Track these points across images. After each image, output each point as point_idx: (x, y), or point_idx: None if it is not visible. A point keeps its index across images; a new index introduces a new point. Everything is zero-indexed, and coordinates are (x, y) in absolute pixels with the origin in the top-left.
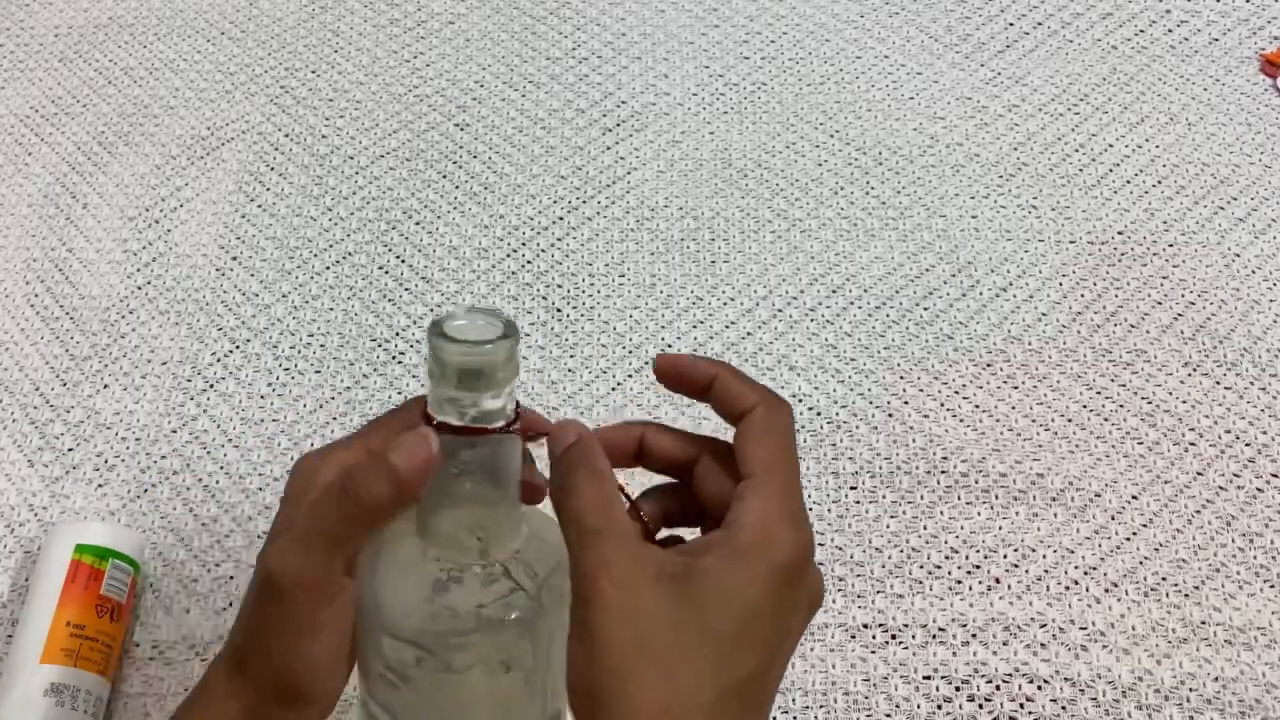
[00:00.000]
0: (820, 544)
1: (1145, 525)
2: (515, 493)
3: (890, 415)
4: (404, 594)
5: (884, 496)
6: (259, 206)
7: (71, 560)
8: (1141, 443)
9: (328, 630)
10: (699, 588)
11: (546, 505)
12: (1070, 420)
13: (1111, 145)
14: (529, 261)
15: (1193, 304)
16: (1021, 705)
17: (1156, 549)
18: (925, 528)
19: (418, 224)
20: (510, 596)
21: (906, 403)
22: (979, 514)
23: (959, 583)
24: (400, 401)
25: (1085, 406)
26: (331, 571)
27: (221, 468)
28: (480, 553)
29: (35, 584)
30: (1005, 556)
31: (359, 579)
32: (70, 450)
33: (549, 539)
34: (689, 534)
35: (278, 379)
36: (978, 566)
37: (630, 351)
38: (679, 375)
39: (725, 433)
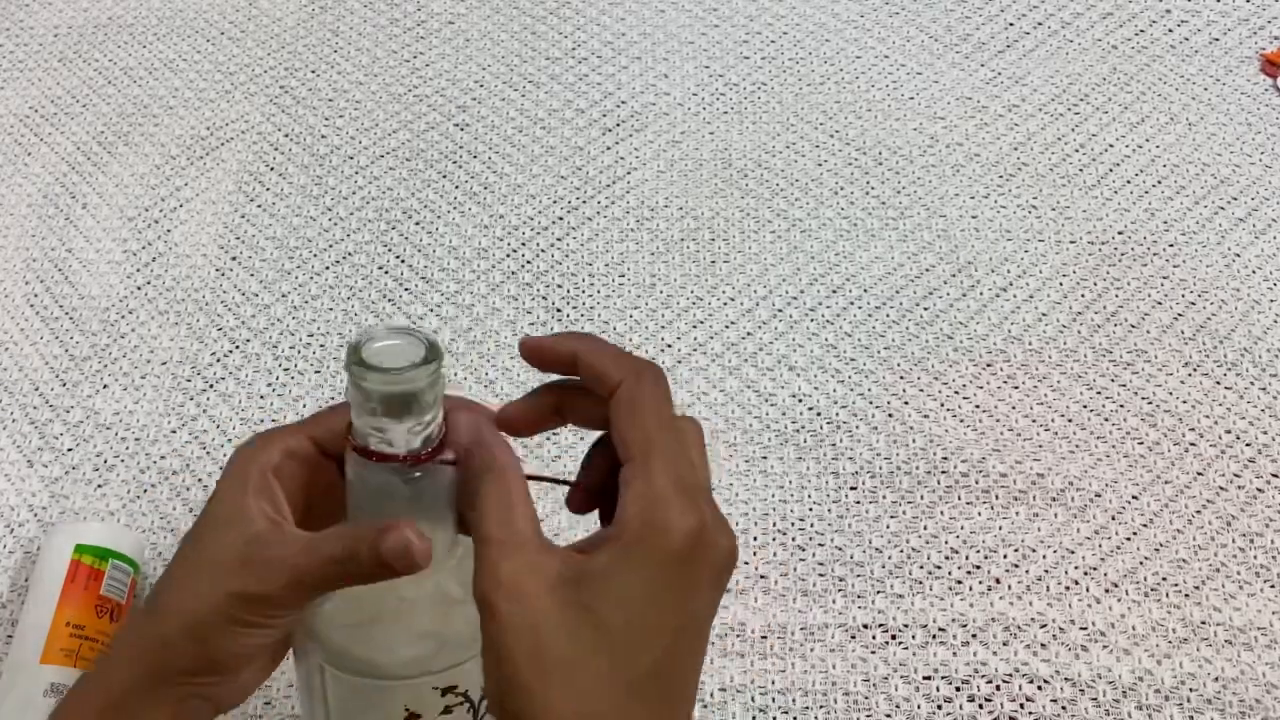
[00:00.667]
0: (820, 544)
1: (1145, 525)
2: (449, 519)
3: (890, 415)
4: (339, 627)
5: (884, 496)
6: (259, 206)
7: (71, 560)
8: (1142, 443)
9: (272, 628)
10: (591, 590)
11: None
12: (1070, 420)
13: (1111, 145)
14: (529, 261)
15: (1193, 304)
16: (1021, 705)
17: (1157, 549)
18: (925, 528)
19: (418, 224)
20: (430, 641)
21: (906, 403)
22: (979, 514)
23: (959, 583)
24: None
25: (1085, 406)
26: (303, 603)
27: (221, 468)
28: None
29: (35, 584)
30: (1005, 557)
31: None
32: (70, 450)
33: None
34: None
35: (278, 379)
36: (978, 567)
37: (630, 351)
38: (543, 358)
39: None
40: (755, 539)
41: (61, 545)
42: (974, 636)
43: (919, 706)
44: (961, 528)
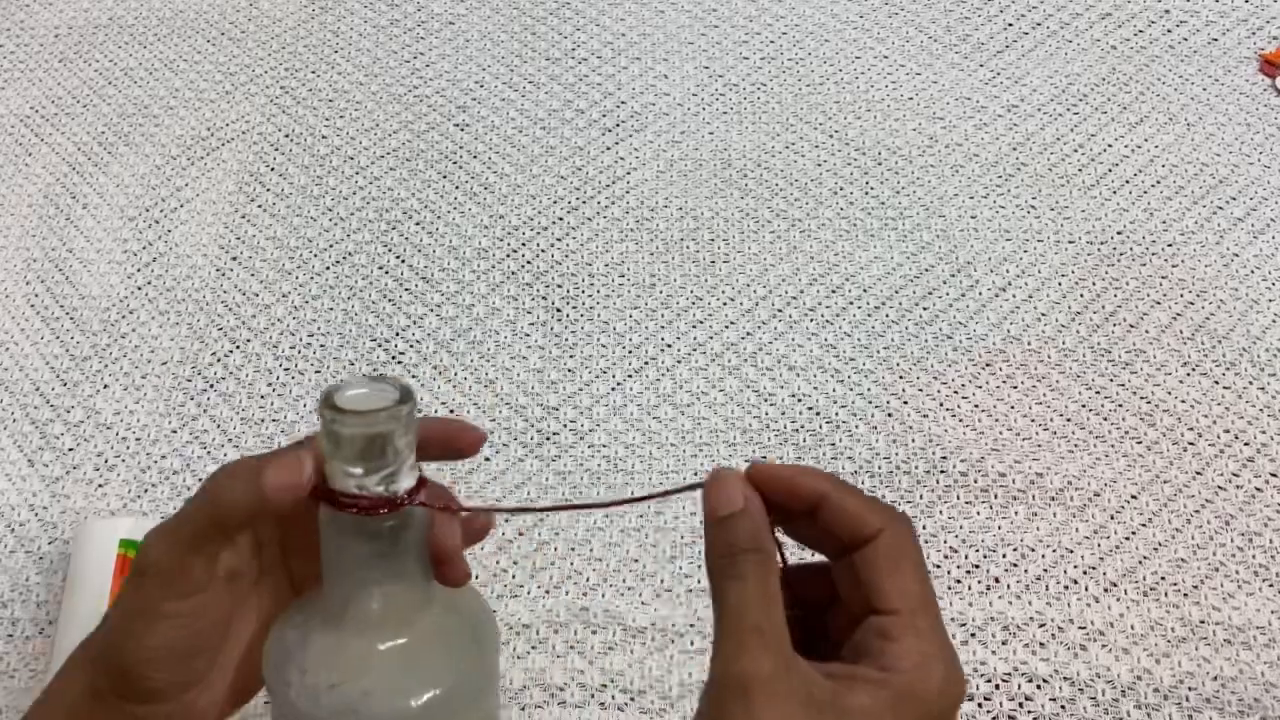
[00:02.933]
0: None
1: (1144, 525)
2: (423, 569)
3: (889, 415)
4: (312, 696)
5: (884, 496)
6: (259, 206)
7: (118, 555)
8: (1140, 442)
9: (170, 624)
10: None
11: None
12: (1069, 420)
13: (1110, 145)
14: (529, 261)
15: (1192, 304)
16: (1021, 704)
17: (1155, 548)
18: (925, 527)
19: (418, 224)
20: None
21: (906, 402)
22: (978, 513)
23: (958, 582)
24: None
25: (1084, 406)
26: (187, 566)
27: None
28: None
29: (77, 578)
30: (1004, 556)
31: (272, 652)
32: (70, 450)
33: (453, 629)
34: None
35: (278, 379)
36: (977, 566)
37: (630, 351)
38: (780, 489)
39: None
40: None
41: (103, 540)
42: (973, 635)
43: None
44: (960, 527)
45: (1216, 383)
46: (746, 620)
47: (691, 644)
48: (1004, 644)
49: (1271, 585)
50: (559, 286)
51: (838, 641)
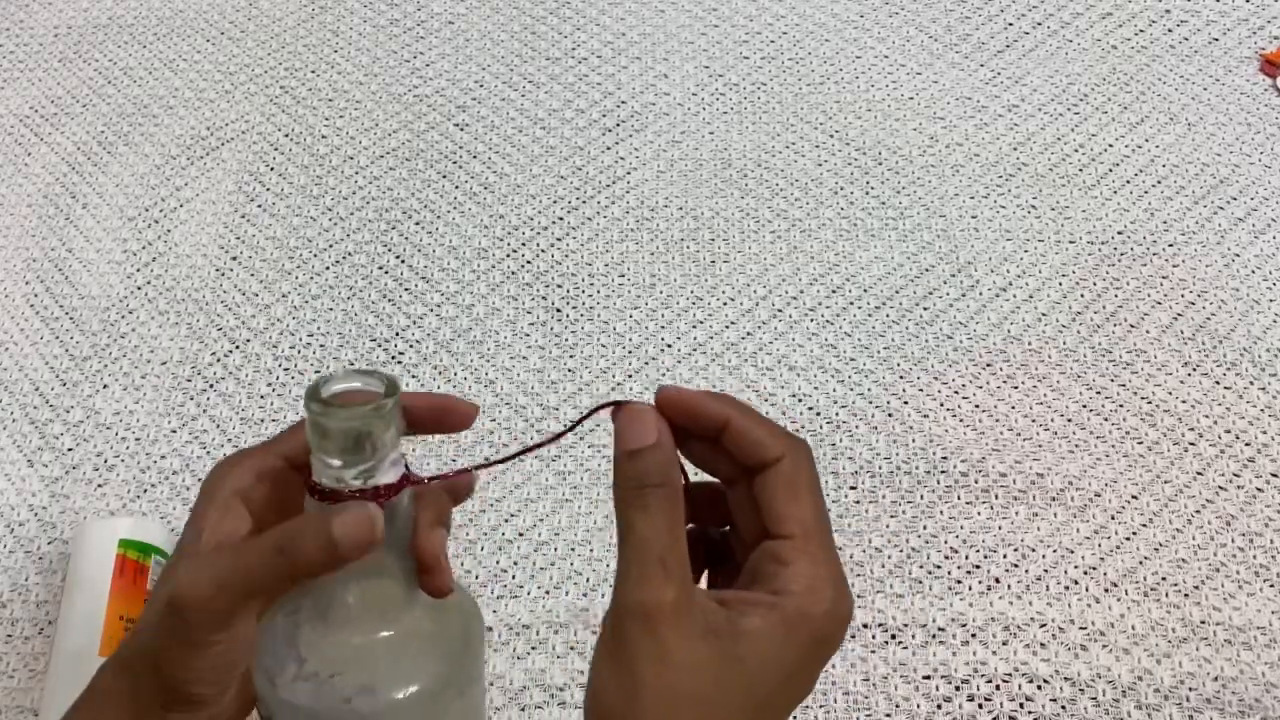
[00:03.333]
0: None
1: (1145, 525)
2: (405, 566)
3: (890, 415)
4: (301, 687)
5: (884, 496)
6: (259, 206)
7: (117, 555)
8: (1141, 442)
9: (218, 649)
10: (744, 649)
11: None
12: (1070, 420)
13: (1111, 145)
14: (529, 261)
15: (1192, 304)
16: (1021, 705)
17: (1156, 549)
18: (925, 528)
19: (418, 224)
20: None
21: (906, 403)
22: (979, 514)
23: (959, 582)
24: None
25: (1085, 406)
26: (242, 611)
27: None
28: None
29: (77, 577)
30: (1005, 556)
31: (264, 643)
32: (70, 450)
33: (431, 630)
34: None
35: (278, 379)
36: (977, 566)
37: (630, 351)
38: (686, 413)
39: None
40: None
41: (103, 540)
42: (973, 636)
43: (918, 706)
44: (961, 527)
45: (1217, 383)
46: (651, 551)
47: None
48: (1004, 644)
49: (1272, 585)
50: (559, 286)
51: (738, 564)
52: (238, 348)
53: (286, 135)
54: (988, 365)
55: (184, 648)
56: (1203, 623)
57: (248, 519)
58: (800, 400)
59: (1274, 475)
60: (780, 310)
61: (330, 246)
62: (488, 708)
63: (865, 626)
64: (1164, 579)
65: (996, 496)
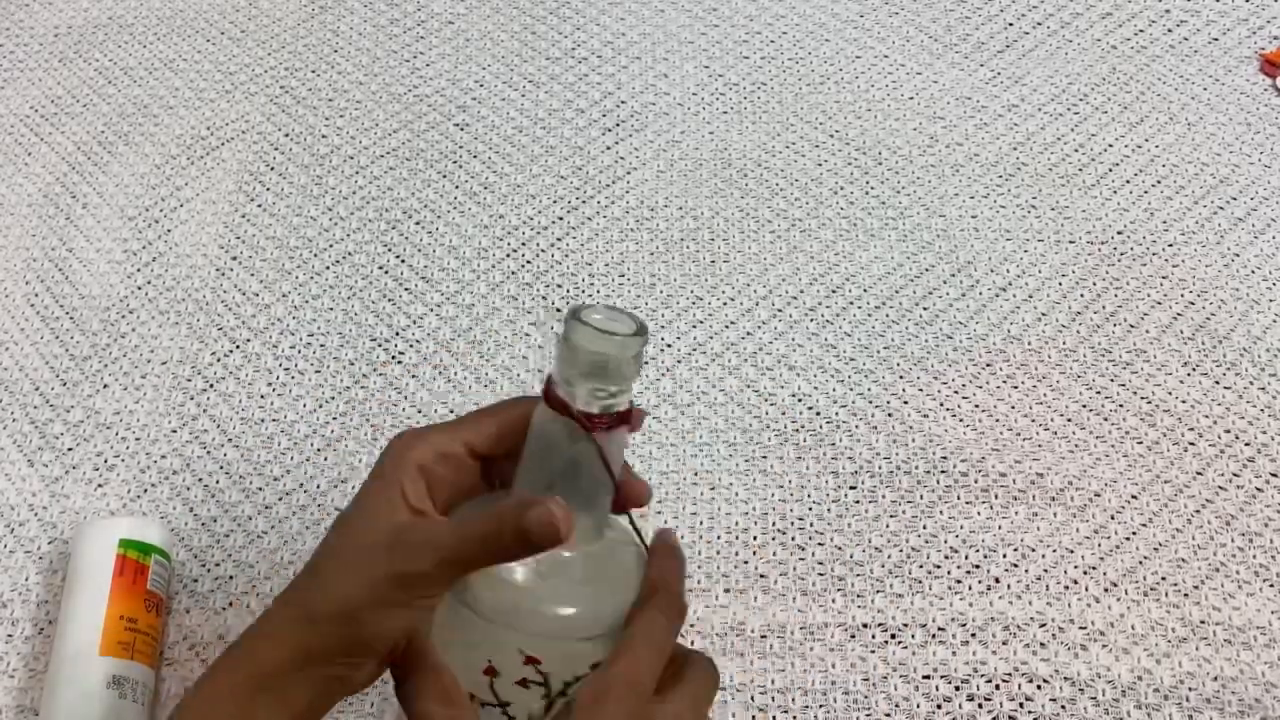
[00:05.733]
0: (820, 543)
1: (1145, 525)
2: (606, 497)
3: (890, 415)
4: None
5: (884, 496)
6: (259, 206)
7: (117, 555)
8: (1141, 442)
9: (418, 614)
10: None
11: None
12: (1070, 420)
13: (1111, 145)
14: (529, 261)
15: (1192, 304)
16: (1021, 705)
17: (1156, 548)
18: (925, 527)
19: (418, 224)
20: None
21: (906, 402)
22: (979, 514)
23: (958, 582)
24: (398, 402)
25: (1085, 406)
26: (448, 585)
27: (221, 468)
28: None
29: (77, 578)
30: (1005, 556)
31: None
32: (70, 450)
33: (620, 562)
34: None
35: (278, 379)
36: (977, 566)
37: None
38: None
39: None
40: (755, 538)
41: (102, 540)
42: (973, 636)
43: (918, 706)
44: (961, 527)
45: (1217, 383)
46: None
47: (691, 644)
48: (1004, 644)
49: (1272, 585)
50: (559, 286)
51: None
52: (238, 347)
53: (286, 135)
54: (987, 365)
55: (393, 613)
56: (1202, 622)
57: (426, 494)
58: (800, 400)
59: (1274, 475)
60: (780, 310)
61: (330, 246)
62: None
63: (865, 626)
64: (1164, 579)
65: (996, 496)
